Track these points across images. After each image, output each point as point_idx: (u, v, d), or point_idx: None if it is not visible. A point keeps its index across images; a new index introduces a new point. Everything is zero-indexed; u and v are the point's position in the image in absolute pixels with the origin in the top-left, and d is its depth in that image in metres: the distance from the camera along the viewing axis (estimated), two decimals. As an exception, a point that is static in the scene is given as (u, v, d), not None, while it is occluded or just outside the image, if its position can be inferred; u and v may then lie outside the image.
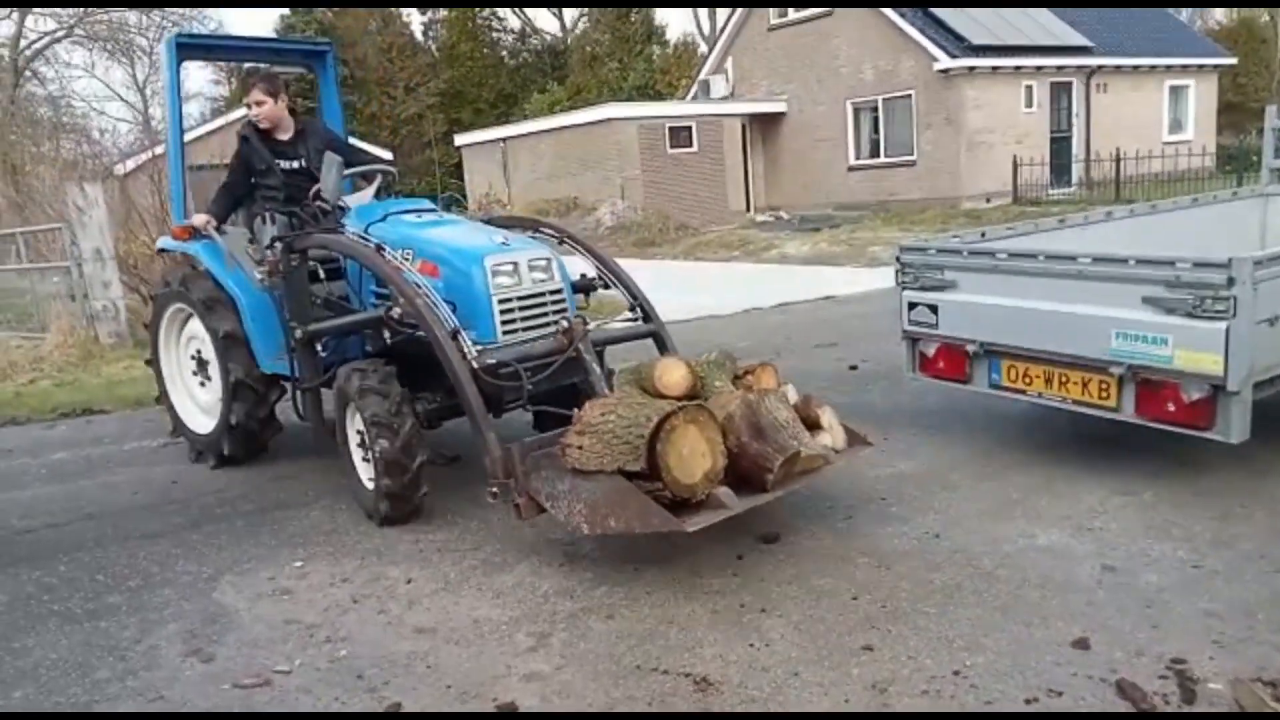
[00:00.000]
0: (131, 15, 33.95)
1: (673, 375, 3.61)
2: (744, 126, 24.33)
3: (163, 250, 5.45)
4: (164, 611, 3.30)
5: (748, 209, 24.58)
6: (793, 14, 23.08)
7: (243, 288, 4.73)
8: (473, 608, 3.19)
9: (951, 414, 5.07)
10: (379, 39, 43.75)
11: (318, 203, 4.50)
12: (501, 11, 47.34)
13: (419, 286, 3.85)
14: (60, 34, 33.01)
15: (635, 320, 4.79)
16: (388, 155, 33.13)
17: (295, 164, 4.89)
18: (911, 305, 4.41)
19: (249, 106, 4.88)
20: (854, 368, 6.42)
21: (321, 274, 4.56)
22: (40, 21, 32.37)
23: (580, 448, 3.31)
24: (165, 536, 4.06)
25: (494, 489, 3.50)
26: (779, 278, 12.38)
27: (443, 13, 46.43)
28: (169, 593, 3.47)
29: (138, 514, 4.38)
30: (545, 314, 4.10)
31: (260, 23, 67.32)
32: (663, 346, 4.62)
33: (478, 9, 45.40)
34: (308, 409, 4.48)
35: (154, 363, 5.47)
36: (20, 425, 6.47)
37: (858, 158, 22.49)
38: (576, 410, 3.45)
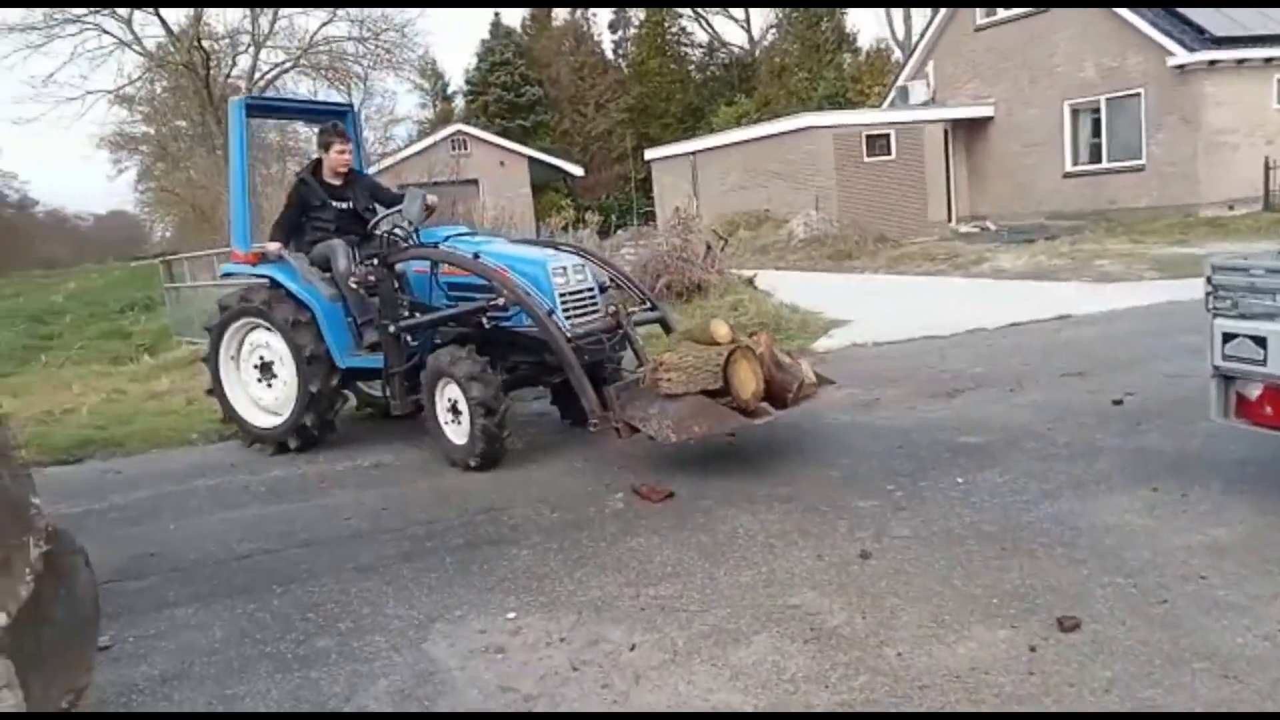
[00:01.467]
0: (349, 45, 36.23)
1: (721, 329, 5.05)
2: (946, 132, 23.00)
3: (228, 275, 6.31)
4: (374, 664, 3.05)
5: (949, 219, 23.20)
6: (1002, 13, 21.63)
7: (317, 299, 5.81)
8: (708, 690, 2.74)
9: (1266, 466, 4.20)
10: (571, 59, 44.92)
11: (395, 228, 5.72)
12: (690, 26, 47.57)
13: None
14: (288, 65, 35.70)
15: (648, 309, 6.03)
16: (579, 171, 33.84)
17: (345, 204, 6.03)
18: (1228, 337, 3.62)
19: (340, 154, 5.98)
20: (1118, 402, 5.57)
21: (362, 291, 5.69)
22: (271, 54, 35.16)
23: (670, 379, 4.80)
24: (377, 571, 3.86)
25: (594, 422, 4.93)
26: (998, 294, 11.36)
27: (633, 30, 47.15)
28: (380, 640, 3.22)
29: (350, 543, 4.23)
30: (584, 305, 5.41)
31: (464, 43, 70.75)
32: (667, 328, 5.92)
33: (668, 25, 45.71)
34: (396, 389, 5.67)
35: (216, 388, 6.33)
36: (236, 441, 6.62)
37: (1074, 163, 20.76)
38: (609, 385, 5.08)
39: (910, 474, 4.59)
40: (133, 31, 31.71)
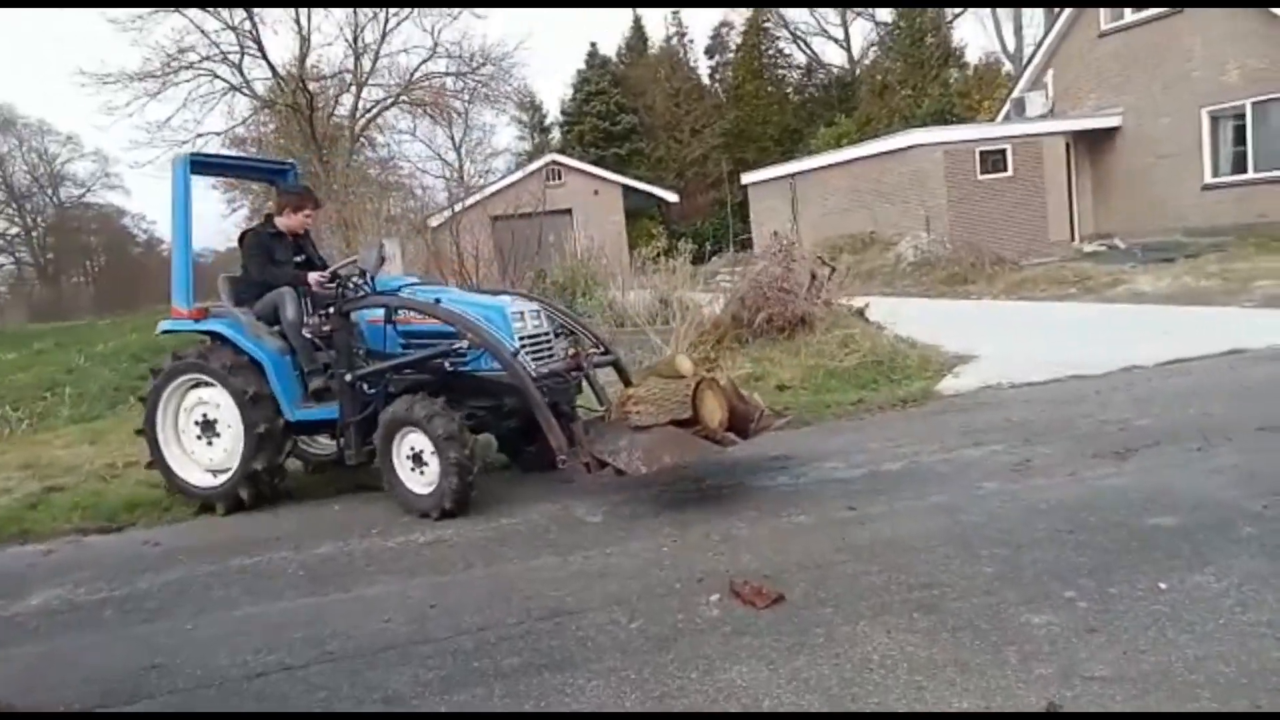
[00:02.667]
0: (448, 81, 36.57)
1: (685, 364, 5.36)
2: (1067, 145, 21.39)
3: (168, 331, 6.11)
4: None
5: (1072, 238, 21.54)
6: (1130, 15, 19.99)
7: (266, 353, 5.70)
8: None
9: None
10: (667, 85, 44.46)
11: (350, 278, 5.64)
12: (787, 48, 46.59)
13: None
14: (389, 101, 36.23)
15: (602, 354, 6.02)
16: (673, 197, 33.16)
17: (300, 257, 6.11)
18: None
19: (307, 218, 6.17)
20: (1352, 470, 4.39)
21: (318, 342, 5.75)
22: (372, 92, 35.76)
23: (639, 412, 4.99)
24: (407, 702, 3.07)
25: (563, 458, 4.96)
26: (1145, 322, 10.02)
27: (729, 54, 46.44)
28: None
29: (383, 659, 3.44)
30: (542, 349, 5.55)
31: (562, 75, 71.53)
32: (621, 371, 6.02)
33: (765, 48, 44.89)
34: (351, 439, 5.57)
35: (148, 431, 6.03)
36: (296, 503, 5.99)
37: (1215, 174, 18.91)
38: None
39: (1091, 572, 3.56)
40: (243, 75, 32.72)
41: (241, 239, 6.15)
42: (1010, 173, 20.35)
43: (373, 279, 5.64)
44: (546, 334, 5.67)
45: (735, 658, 3.16)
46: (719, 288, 13.70)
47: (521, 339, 5.35)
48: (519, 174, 28.50)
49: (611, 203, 30.07)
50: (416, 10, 32.99)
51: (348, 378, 5.47)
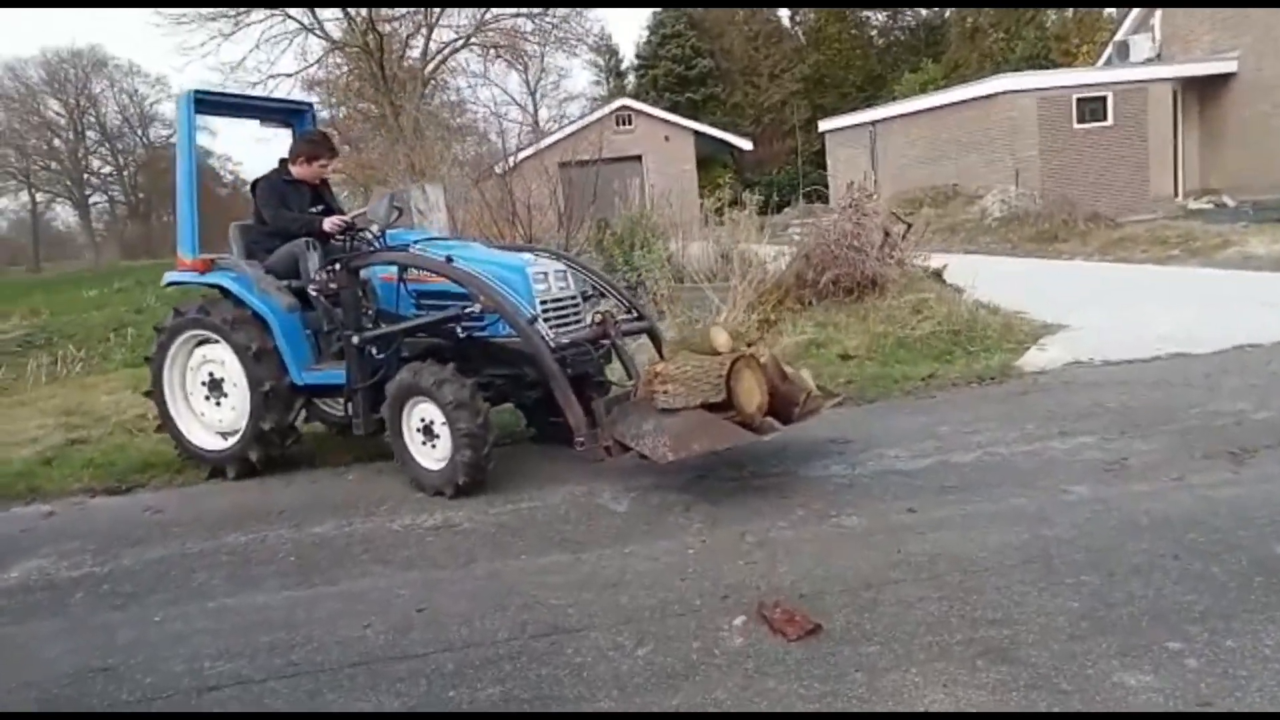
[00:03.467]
0: (521, 22, 35.81)
1: (721, 337, 4.65)
2: (1175, 93, 19.81)
3: (173, 284, 5.73)
4: None
5: (1175, 194, 20.07)
6: (1254, -54, 18.23)
7: (273, 310, 5.25)
8: None
9: None
10: (745, 29, 42.93)
11: (362, 231, 5.19)
12: (874, -12, 44.41)
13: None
14: (459, 44, 35.65)
15: (634, 319, 5.44)
16: (747, 145, 32.04)
17: (319, 208, 5.63)
18: None
19: (323, 167, 5.68)
20: None
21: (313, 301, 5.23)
22: (443, 34, 35.20)
23: (667, 392, 4.35)
24: (365, 741, 2.61)
25: (581, 439, 4.40)
26: (1259, 292, 8.99)
27: (812, -6, 44.54)
28: None
29: (350, 677, 2.99)
30: (566, 314, 4.99)
31: (638, 20, 69.97)
32: (657, 340, 5.42)
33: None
34: (359, 407, 5.08)
35: (155, 393, 5.68)
36: (311, 469, 5.61)
37: (1343, 126, 17.29)
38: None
39: (1203, 616, 2.89)
40: (315, 16, 32.47)
41: (254, 186, 5.69)
42: (1110, 122, 18.96)
43: (384, 232, 5.14)
44: (573, 297, 5.13)
45: (752, 704, 2.61)
46: (790, 241, 12.94)
47: (543, 303, 4.84)
48: (587, 119, 27.71)
49: (683, 150, 29.12)
50: (489, -52, 32.18)
51: (354, 340, 4.99)
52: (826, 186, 23.89)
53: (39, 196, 61.50)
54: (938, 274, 9.18)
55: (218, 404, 5.55)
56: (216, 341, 5.43)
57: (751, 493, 4.44)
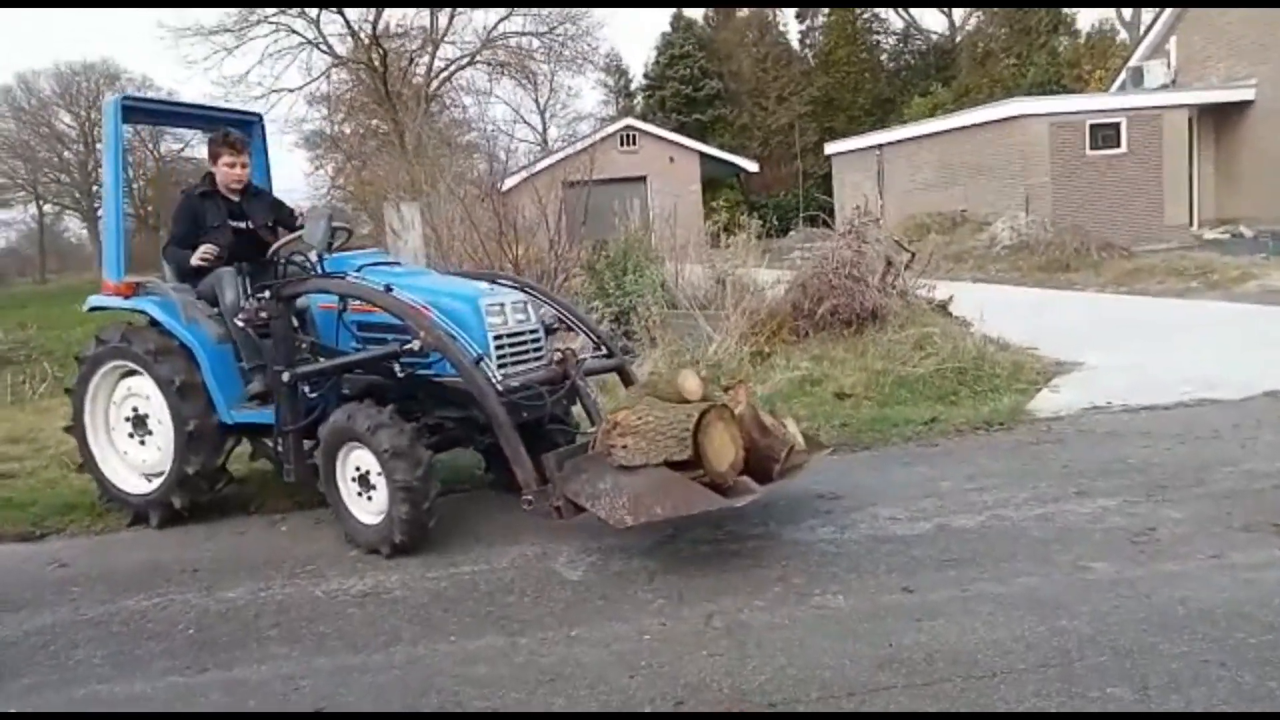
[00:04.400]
0: (528, 41, 35.57)
1: (691, 382, 4.07)
2: (1190, 120, 19.30)
3: (96, 309, 5.24)
4: None
5: (1190, 223, 19.51)
6: (1274, -29, 17.77)
7: (201, 341, 4.78)
8: None
9: None
10: (755, 50, 42.64)
11: (294, 254, 4.67)
12: (884, 13, 44.11)
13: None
14: (464, 60, 35.39)
15: (603, 356, 5.05)
16: (753, 167, 31.62)
17: (244, 224, 5.07)
18: None
19: (229, 168, 5.01)
20: None
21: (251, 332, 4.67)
22: (449, 51, 34.95)
23: (625, 447, 3.82)
24: None
25: (529, 497, 3.90)
26: (1288, 330, 8.42)
27: (821, 19, 44.23)
28: None
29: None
30: (525, 350, 4.52)
31: (646, 36, 70.04)
32: (627, 379, 5.01)
33: (860, 12, 42.55)
34: (289, 451, 4.56)
35: (76, 429, 5.15)
36: (243, 516, 5.08)
37: (1365, 156, 16.75)
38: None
39: (1262, 751, 2.33)
40: (319, 30, 32.26)
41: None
42: (1124, 149, 18.44)
43: (321, 257, 4.61)
44: (533, 331, 4.61)
45: None
46: (793, 266, 12.43)
47: (498, 337, 4.34)
48: (588, 139, 27.32)
49: (688, 171, 28.70)
50: (495, -34, 31.99)
51: (284, 376, 4.45)
52: (832, 211, 23.39)
53: (47, 208, 61.45)
54: (943, 306, 8.63)
55: (142, 443, 5.03)
56: (141, 373, 4.91)
57: (725, 560, 3.89)
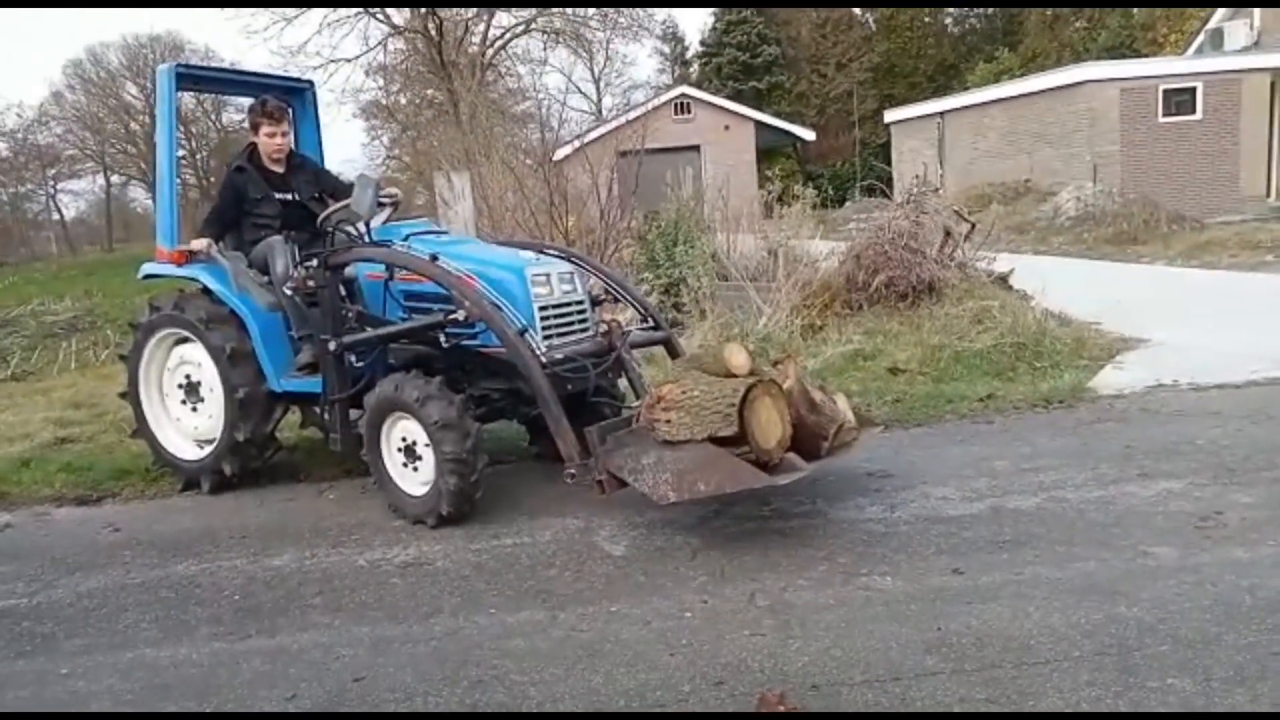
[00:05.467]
0: (592, 11, 35.21)
1: (739, 357, 3.93)
2: (1273, 85, 18.43)
3: (150, 276, 5.20)
4: None
5: (1268, 194, 18.71)
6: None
7: (251, 309, 4.79)
8: None
9: None
10: (814, 15, 41.77)
11: (342, 223, 4.65)
12: (948, -27, 42.81)
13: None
14: (520, 29, 35.22)
15: (650, 328, 4.97)
16: (810, 135, 31.04)
17: (289, 195, 5.06)
18: None
19: (270, 137, 4.96)
20: None
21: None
22: (504, 19, 34.78)
23: (669, 422, 3.73)
24: None
25: (571, 471, 3.85)
26: (1372, 307, 8.01)
27: (883, -19, 43.12)
28: None
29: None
30: (571, 322, 4.45)
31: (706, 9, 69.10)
32: (674, 352, 4.85)
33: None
34: (335, 421, 4.55)
35: (131, 395, 5.20)
36: (292, 484, 5.12)
37: None
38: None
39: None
40: (377, -1, 32.29)
41: None
42: (1199, 115, 17.71)
43: (369, 226, 4.58)
44: (579, 303, 4.53)
45: None
46: (849, 237, 12.17)
47: (543, 308, 4.28)
48: (642, 108, 27.08)
49: (743, 140, 28.28)
50: (551, -68, 31.70)
51: (331, 345, 4.44)
52: (890, 180, 22.89)
53: (115, 179, 63.02)
54: (1003, 278, 8.37)
55: (194, 409, 5.09)
56: (194, 341, 4.96)
57: (770, 538, 3.81)
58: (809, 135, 30.95)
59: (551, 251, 5.07)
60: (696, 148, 26.07)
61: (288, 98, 5.61)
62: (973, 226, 8.83)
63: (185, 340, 5.05)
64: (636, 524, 4.05)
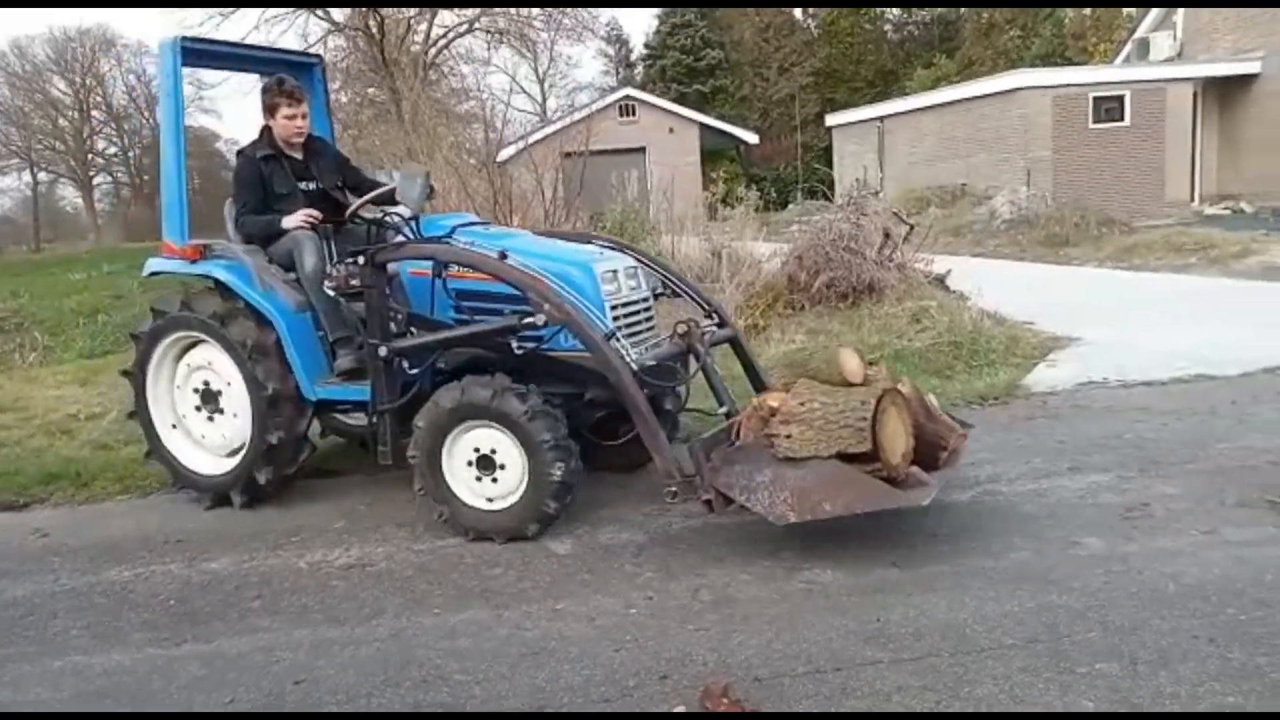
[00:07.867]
0: (536, 11, 35.05)
1: (852, 363, 3.73)
2: (1195, 94, 19.12)
3: (156, 274, 4.76)
4: None
5: (1191, 199, 19.40)
6: (1283, -58, 17.53)
7: (279, 309, 4.35)
8: None
9: None
10: (757, 19, 42.16)
11: (386, 216, 4.20)
12: (889, -18, 43.59)
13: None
14: (463, 29, 34.95)
15: (715, 326, 4.57)
16: (753, 138, 31.32)
17: (312, 185, 4.61)
18: None
19: (289, 119, 4.49)
20: None
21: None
22: (447, 18, 34.49)
23: (789, 436, 3.44)
24: None
25: (673, 489, 3.59)
26: (1287, 306, 8.36)
27: (825, -13, 43.75)
28: None
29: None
30: (639, 321, 4.17)
31: (650, 11, 69.30)
32: (742, 352, 4.60)
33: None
34: (385, 432, 4.16)
35: (140, 413, 4.73)
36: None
37: (1370, 131, 16.60)
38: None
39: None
40: (315, -3, 31.79)
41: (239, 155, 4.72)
42: (1128, 122, 18.29)
43: (416, 219, 4.15)
44: (644, 300, 4.23)
45: None
46: (791, 239, 12.33)
47: (614, 308, 3.97)
48: (587, 110, 27.05)
49: (687, 142, 28.46)
50: (493, -69, 31.54)
51: (381, 351, 4.04)
52: (832, 183, 23.22)
53: (42, 176, 60.95)
54: (940, 280, 8.56)
55: (210, 419, 4.62)
56: (204, 343, 4.54)
57: (714, 534, 3.85)
58: (752, 138, 31.24)
59: (601, 242, 4.71)
60: (642, 150, 26.17)
61: (293, 73, 5.00)
62: (911, 229, 9.01)
63: (195, 344, 4.61)
64: (582, 522, 4.05)
